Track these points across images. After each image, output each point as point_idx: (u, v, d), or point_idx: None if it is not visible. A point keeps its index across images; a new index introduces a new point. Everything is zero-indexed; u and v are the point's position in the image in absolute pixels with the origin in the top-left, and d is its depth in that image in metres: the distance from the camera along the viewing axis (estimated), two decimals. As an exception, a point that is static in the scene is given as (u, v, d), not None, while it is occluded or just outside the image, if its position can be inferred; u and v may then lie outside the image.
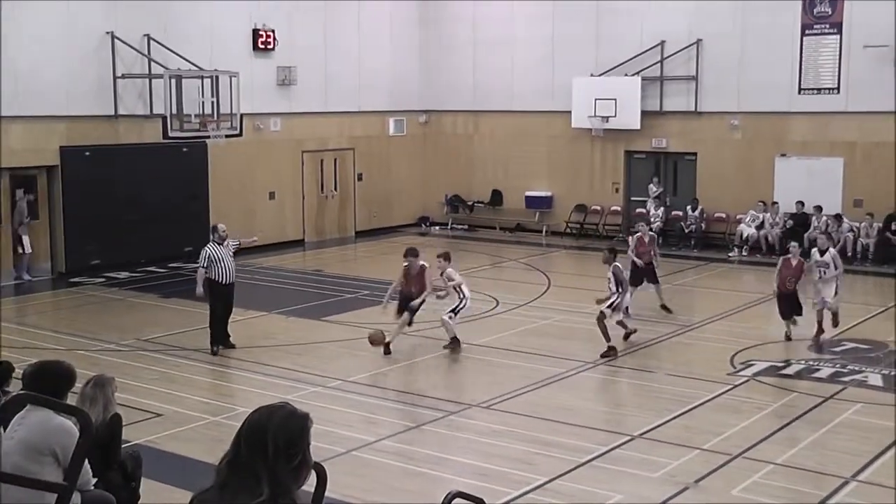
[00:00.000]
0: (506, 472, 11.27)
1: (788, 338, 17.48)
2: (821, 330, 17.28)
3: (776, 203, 27.38)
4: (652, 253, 19.99)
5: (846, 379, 15.48)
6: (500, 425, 13.05)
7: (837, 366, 16.19)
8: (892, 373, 15.74)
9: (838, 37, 26.69)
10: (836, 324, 17.54)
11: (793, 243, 18.34)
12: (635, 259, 19.74)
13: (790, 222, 27.01)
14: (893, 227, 25.73)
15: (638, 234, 20.24)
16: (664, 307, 19.76)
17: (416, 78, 32.49)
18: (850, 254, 25.77)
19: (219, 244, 16.50)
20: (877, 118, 26.05)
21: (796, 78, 27.26)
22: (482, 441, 12.47)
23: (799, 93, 27.30)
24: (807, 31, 27.11)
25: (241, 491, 3.64)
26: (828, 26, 26.85)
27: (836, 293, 17.32)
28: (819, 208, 26.65)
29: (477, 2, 31.63)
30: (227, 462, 3.72)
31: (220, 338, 16.57)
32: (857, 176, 26.64)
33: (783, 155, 27.64)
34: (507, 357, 16.56)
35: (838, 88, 26.79)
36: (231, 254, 16.63)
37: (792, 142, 27.54)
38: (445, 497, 6.27)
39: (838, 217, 26.37)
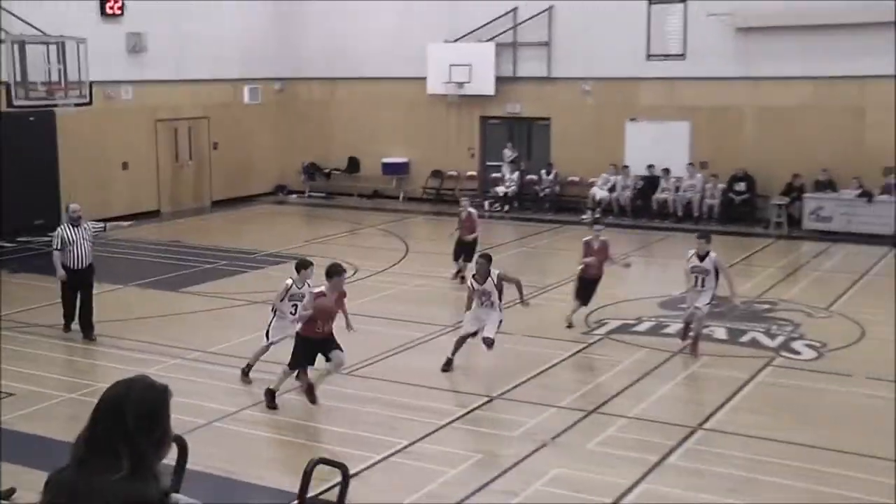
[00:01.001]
0: (368, 436, 11.36)
1: (570, 325, 16.24)
2: (693, 340, 14.87)
3: (627, 166, 28.05)
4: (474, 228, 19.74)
5: (693, 333, 16.01)
6: (362, 391, 13.11)
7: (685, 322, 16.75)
8: (737, 326, 16.39)
9: (683, 5, 27.40)
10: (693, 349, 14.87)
11: (597, 226, 17.17)
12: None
13: (640, 184, 27.75)
14: (736, 188, 26.69)
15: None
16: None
17: (271, 45, 31.99)
18: (696, 214, 26.72)
19: (73, 225, 15.62)
20: (719, 83, 26.94)
21: (644, 45, 27.91)
22: (344, 407, 12.53)
23: (647, 59, 27.98)
24: (654, 0, 27.73)
25: (100, 467, 3.56)
26: (675, -6, 27.56)
27: (709, 301, 14.81)
28: (667, 171, 27.46)
29: (330, -32, 31.47)
30: (84, 438, 3.64)
31: (74, 317, 15.98)
32: (702, 139, 27.53)
33: (633, 119, 28.31)
34: (367, 323, 16.47)
35: (684, 55, 27.53)
36: (88, 237, 15.72)
37: (641, 106, 28.24)
38: (308, 464, 6.34)
39: (692, 165, 27.36)
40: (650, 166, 27.76)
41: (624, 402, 12.76)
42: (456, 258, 19.53)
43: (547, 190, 29.02)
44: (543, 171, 29.16)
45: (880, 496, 9.92)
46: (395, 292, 19.03)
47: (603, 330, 16.26)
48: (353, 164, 32.14)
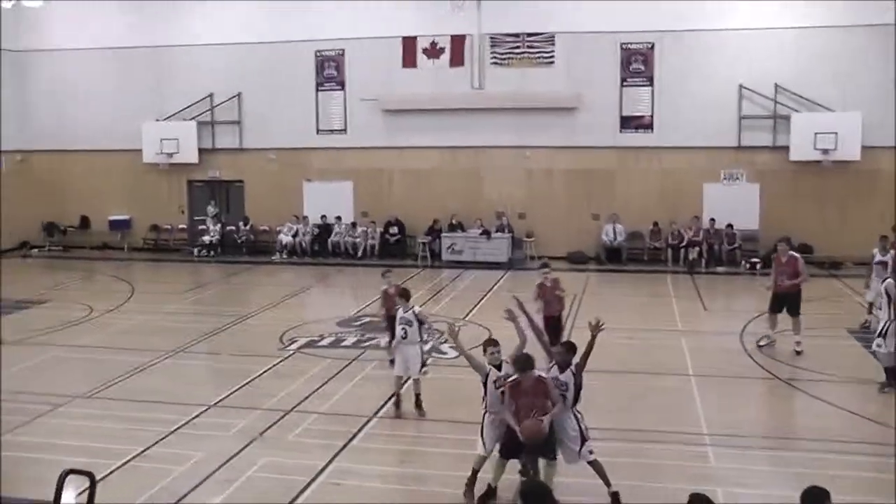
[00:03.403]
0: (109, 447, 10.84)
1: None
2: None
3: (306, 216, 28.24)
4: None
5: (365, 344, 16.35)
6: (101, 410, 12.50)
7: (359, 335, 17.06)
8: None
9: (343, 92, 28.02)
10: None
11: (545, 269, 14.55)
12: None
13: (317, 231, 28.03)
14: (390, 231, 27.45)
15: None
16: None
17: (11, 122, 29.67)
18: (360, 254, 27.26)
19: None
20: (373, 151, 27.74)
21: (314, 122, 28.28)
22: (88, 425, 11.88)
23: (317, 133, 28.34)
24: (320, 88, 28.19)
25: None
26: (335, 84, 28.08)
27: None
28: (339, 218, 27.88)
29: (58, 54, 29.79)
30: None
31: None
32: (362, 194, 28.14)
33: (309, 180, 28.55)
34: (104, 353, 15.85)
35: (346, 129, 28.12)
36: None
37: (315, 169, 28.49)
38: (60, 476, 6.07)
39: (354, 225, 27.74)
40: (323, 216, 28.09)
41: (315, 402, 12.83)
42: None
43: (244, 237, 28.72)
44: (241, 223, 28.84)
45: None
46: (124, 326, 18.20)
47: (294, 346, 16.24)
48: (85, 222, 30.46)
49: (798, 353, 15.33)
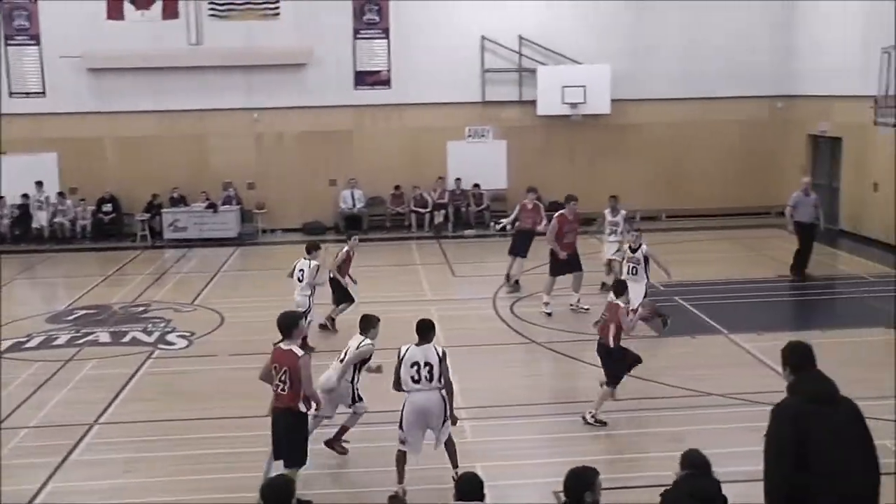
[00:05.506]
0: None
1: None
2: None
3: (3, 196, 26.25)
4: None
5: (81, 341, 15.63)
6: None
7: (73, 332, 16.24)
8: (118, 329, 16.22)
9: (38, 47, 26.25)
10: None
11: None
12: None
13: (17, 212, 26.19)
14: (104, 209, 26.21)
15: None
16: None
17: None
18: (69, 235, 25.86)
19: None
20: (80, 117, 26.27)
21: (5, 82, 26.32)
22: None
23: (10, 96, 26.40)
24: (9, 42, 26.26)
25: None
26: (28, 38, 26.25)
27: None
28: (25, 196, 26.09)
29: None
30: None
31: None
32: (70, 167, 26.58)
33: (3, 153, 26.52)
34: None
35: (44, 92, 26.39)
36: None
37: (12, 140, 26.48)
38: None
39: (62, 194, 26.22)
40: (25, 195, 26.25)
41: (24, 414, 12.10)
42: None
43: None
44: (-81, 206, 26.41)
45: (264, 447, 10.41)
46: None
47: (-4, 350, 15.22)
48: None
49: (586, 309, 16.28)
